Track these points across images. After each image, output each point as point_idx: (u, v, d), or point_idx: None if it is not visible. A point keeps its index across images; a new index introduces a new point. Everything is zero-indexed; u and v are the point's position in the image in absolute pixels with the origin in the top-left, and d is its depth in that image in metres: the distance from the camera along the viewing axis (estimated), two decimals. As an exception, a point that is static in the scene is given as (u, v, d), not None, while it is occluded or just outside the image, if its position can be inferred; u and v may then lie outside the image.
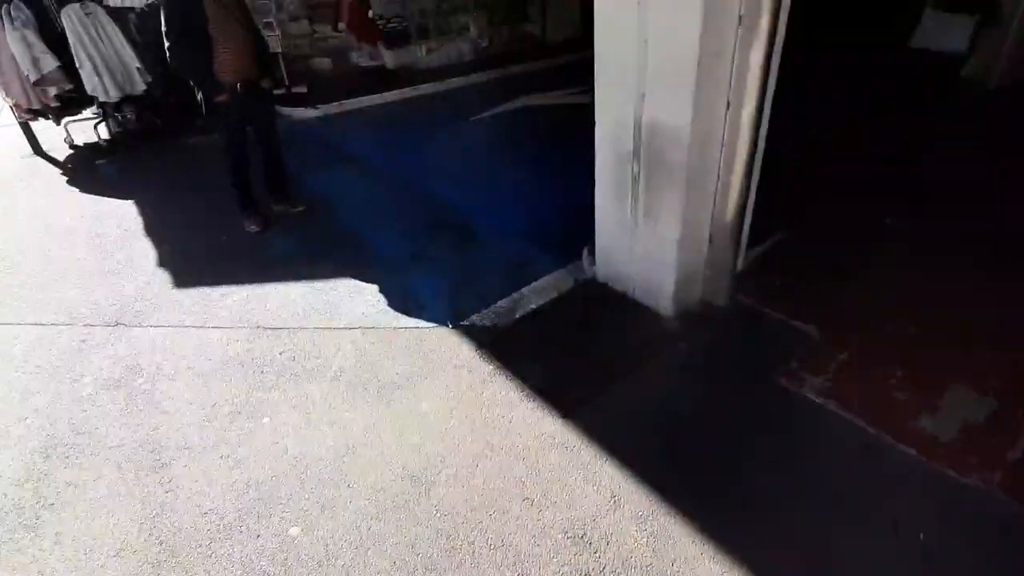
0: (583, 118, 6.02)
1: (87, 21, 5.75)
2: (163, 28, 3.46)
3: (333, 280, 3.33)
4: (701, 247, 2.59)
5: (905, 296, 2.78)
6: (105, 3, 6.02)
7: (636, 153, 2.43)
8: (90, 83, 5.79)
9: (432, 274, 3.32)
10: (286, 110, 7.01)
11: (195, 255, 3.78)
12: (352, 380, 2.52)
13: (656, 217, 2.50)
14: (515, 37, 9.87)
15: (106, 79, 5.86)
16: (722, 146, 2.34)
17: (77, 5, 5.69)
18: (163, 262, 3.72)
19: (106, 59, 5.86)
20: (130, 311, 3.21)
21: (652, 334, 2.63)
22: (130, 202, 4.74)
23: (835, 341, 2.50)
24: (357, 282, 3.29)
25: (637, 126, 2.37)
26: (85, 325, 3.12)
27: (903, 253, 3.18)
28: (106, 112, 6.29)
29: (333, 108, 7.10)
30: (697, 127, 2.20)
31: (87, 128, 6.25)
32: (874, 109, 5.79)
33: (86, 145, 6.33)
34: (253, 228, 4.02)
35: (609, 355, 2.54)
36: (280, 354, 2.74)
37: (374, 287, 3.23)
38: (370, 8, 7.97)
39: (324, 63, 9.48)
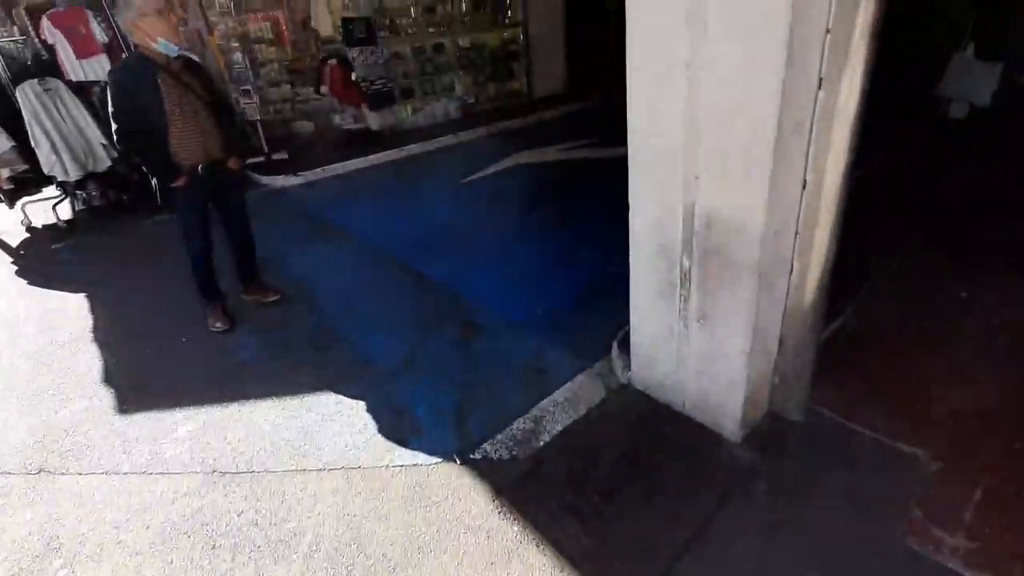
0: (582, 176, 5.52)
1: (46, 98, 5.29)
2: (110, 108, 2.97)
3: (310, 396, 2.72)
4: (770, 352, 2.04)
5: (1018, 399, 2.24)
6: (67, 78, 5.61)
7: (687, 246, 1.92)
8: (47, 163, 5.28)
9: (430, 384, 2.72)
10: (266, 178, 6.55)
11: (148, 365, 3.15)
12: (332, 557, 1.88)
13: (715, 322, 1.96)
14: (501, 94, 9.65)
15: (66, 157, 5.36)
16: (796, 233, 1.83)
17: (35, 81, 5.24)
18: (110, 376, 3.09)
19: (66, 136, 5.37)
20: (59, 450, 2.56)
21: (718, 469, 2.04)
22: (83, 295, 4.14)
23: (956, 471, 1.93)
24: (339, 398, 2.68)
25: (688, 215, 1.87)
26: (1, 473, 2.47)
27: (995, 337, 2.65)
28: (67, 191, 5.76)
29: (316, 174, 6.64)
30: (771, 216, 1.69)
31: (48, 207, 5.71)
32: (900, 157, 5.43)
33: (45, 227, 5.77)
34: (218, 327, 3.42)
35: (668, 505, 1.94)
36: (239, 516, 2.09)
37: (359, 405, 2.62)
38: (353, 71, 7.67)
39: (307, 126, 9.14)
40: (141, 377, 3.05)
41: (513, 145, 7.22)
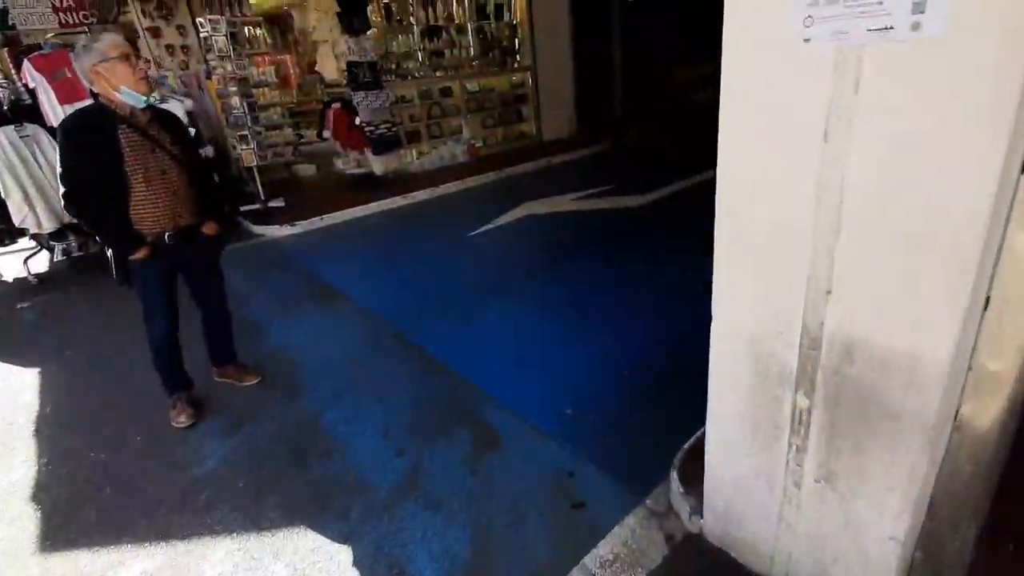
0: (603, 229, 4.96)
1: (21, 145, 4.84)
2: (57, 167, 2.46)
3: (280, 536, 2.08)
4: (916, 524, 1.43)
5: None
6: (49, 124, 5.18)
7: (805, 378, 1.34)
8: (18, 215, 4.78)
9: (435, 521, 2.08)
10: (259, 228, 6.05)
11: (90, 475, 2.53)
12: None
13: (849, 489, 1.35)
14: (510, 137, 9.28)
15: (40, 207, 4.87)
16: (969, 368, 1.25)
17: (10, 128, 4.81)
18: (38, 494, 2.46)
19: (42, 186, 4.89)
20: (-53, 610, 1.94)
21: None
22: (36, 370, 3.56)
23: None
24: (317, 541, 2.04)
25: (811, 336, 1.29)
26: None
27: None
28: (41, 244, 5.26)
29: (314, 223, 6.15)
30: (960, 349, 1.12)
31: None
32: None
33: (16, 281, 5.25)
34: (181, 422, 2.80)
35: None
36: None
37: (343, 554, 1.98)
38: (357, 115, 7.30)
39: (308, 170, 8.73)
40: (78, 494, 2.42)
41: (523, 192, 6.75)
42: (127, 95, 2.45)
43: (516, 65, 9.15)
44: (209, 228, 2.78)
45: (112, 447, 2.71)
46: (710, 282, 1.47)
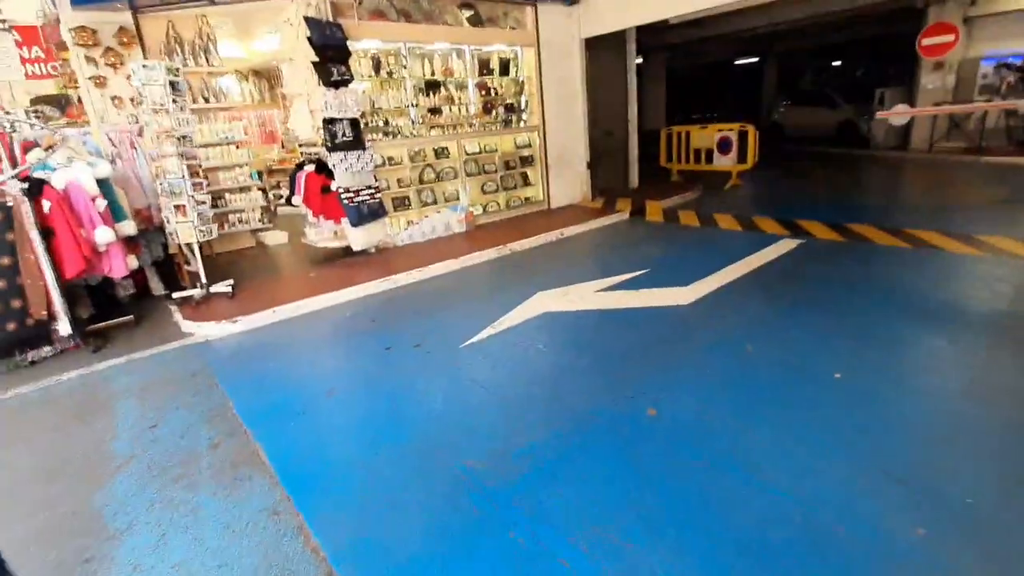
0: (651, 342, 3.47)
1: None
2: None
3: None
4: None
5: None
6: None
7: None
8: None
9: None
10: (189, 325, 4.55)
11: None
12: None
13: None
14: (514, 204, 7.99)
15: None
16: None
17: None
18: None
19: None
20: None
21: None
22: None
23: None
24: None
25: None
26: None
27: None
28: None
29: (263, 318, 4.67)
30: None
31: None
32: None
33: None
34: None
35: None
36: None
37: None
38: (332, 180, 5.98)
39: (278, 238, 7.38)
40: None
41: (533, 276, 5.33)
42: None
43: (522, 124, 7.98)
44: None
45: None
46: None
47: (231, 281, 5.30)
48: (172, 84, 4.61)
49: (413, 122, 6.90)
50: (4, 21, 7.03)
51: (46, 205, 3.79)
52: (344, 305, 5.02)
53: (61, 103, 7.92)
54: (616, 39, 8.56)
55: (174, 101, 4.61)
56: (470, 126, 7.44)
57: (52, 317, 3.99)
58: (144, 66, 4.45)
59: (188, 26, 6.66)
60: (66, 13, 5.87)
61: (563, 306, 4.54)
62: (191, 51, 6.65)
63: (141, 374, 3.84)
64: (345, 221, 6.11)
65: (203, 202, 4.92)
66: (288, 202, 6.53)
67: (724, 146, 9.56)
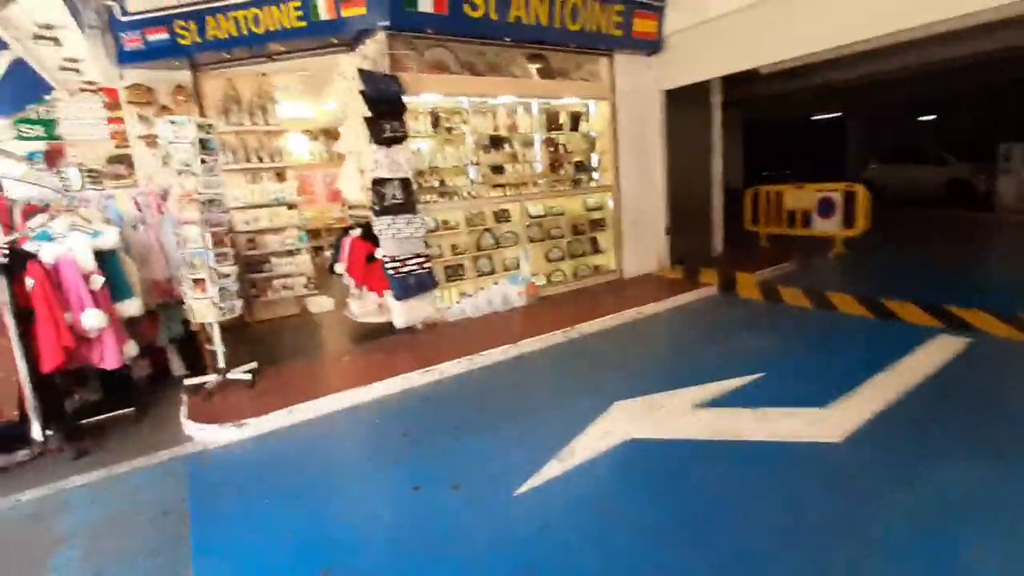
0: (768, 495, 2.09)
1: None
2: None
3: None
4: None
5: None
6: None
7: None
8: None
9: None
10: (193, 426, 3.68)
11: None
12: None
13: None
14: (582, 273, 6.91)
15: None
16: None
17: None
18: None
19: None
20: None
21: None
22: None
23: None
24: None
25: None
26: None
27: None
28: None
29: (275, 421, 3.74)
30: None
31: None
32: None
33: None
34: None
35: None
36: None
37: None
38: (378, 247, 5.18)
39: (325, 305, 6.65)
40: None
41: (608, 375, 4.15)
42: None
43: (593, 184, 7.01)
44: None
45: None
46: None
47: (253, 365, 4.48)
48: (202, 142, 3.99)
49: (472, 182, 6.08)
50: (92, 82, 6.99)
51: (29, 283, 3.10)
52: (375, 404, 4.03)
53: (131, 162, 7.82)
54: (698, 90, 7.55)
55: (203, 161, 3.97)
56: (535, 186, 6.55)
57: (25, 417, 3.23)
58: (172, 122, 3.85)
59: (247, 85, 6.30)
60: (133, 73, 5.61)
61: (653, 429, 3.30)
62: (248, 109, 6.25)
63: (107, 504, 2.95)
64: (389, 294, 5.24)
65: (227, 275, 4.18)
66: (331, 270, 5.79)
67: (826, 209, 8.14)
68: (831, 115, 18.48)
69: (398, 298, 5.18)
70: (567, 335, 5.18)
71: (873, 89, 14.28)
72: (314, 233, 9.02)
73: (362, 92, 4.93)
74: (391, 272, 5.14)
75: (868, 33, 5.12)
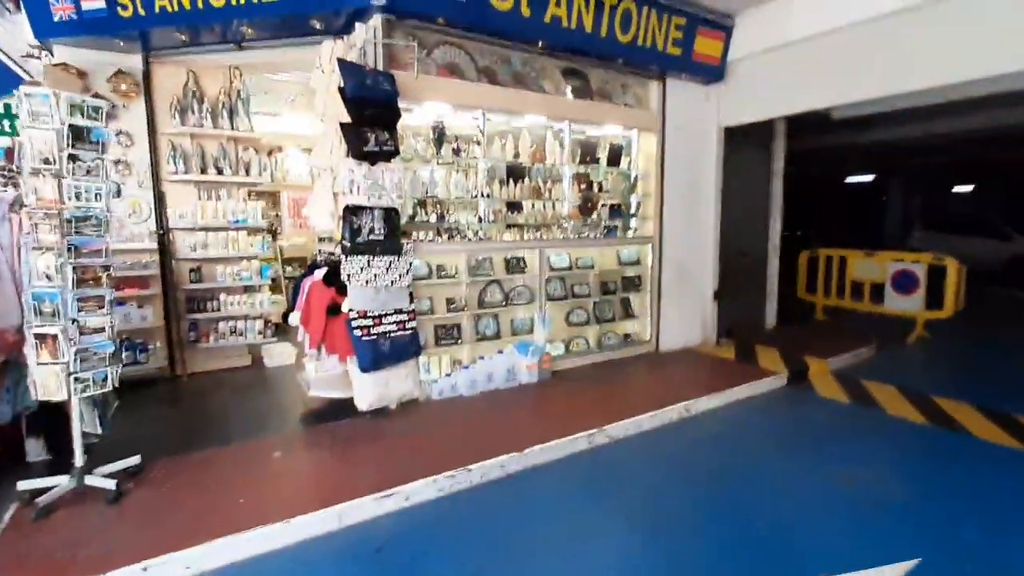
0: None
1: None
2: None
3: None
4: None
5: None
6: None
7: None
8: None
9: None
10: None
11: None
12: None
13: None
14: (609, 343, 5.42)
15: None
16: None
17: None
18: None
19: None
20: None
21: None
22: None
23: None
24: None
25: None
26: None
27: None
28: None
29: None
30: None
31: None
32: None
33: None
34: None
35: None
36: None
37: None
38: (344, 295, 3.75)
39: (283, 354, 5.19)
40: None
41: (659, 525, 2.60)
42: None
43: (631, 233, 5.60)
44: None
45: None
46: None
47: (134, 461, 2.98)
48: (80, 131, 2.62)
49: (481, 219, 4.69)
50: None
51: None
52: (294, 555, 2.48)
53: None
54: (761, 132, 6.24)
55: (73, 158, 2.59)
56: (560, 230, 5.14)
57: None
58: (27, 94, 2.49)
59: (214, 80, 5.04)
60: (65, 53, 4.38)
61: None
62: (212, 109, 4.97)
63: None
64: (354, 361, 3.76)
65: (100, 329, 2.73)
66: (284, 318, 4.35)
67: (905, 283, 6.64)
68: (868, 176, 17.21)
69: (364, 369, 3.70)
70: (591, 440, 3.64)
71: (926, 150, 12.99)
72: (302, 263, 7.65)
73: (341, 89, 3.61)
74: (358, 333, 3.68)
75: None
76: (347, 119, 3.63)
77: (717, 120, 5.64)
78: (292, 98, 6.48)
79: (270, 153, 7.37)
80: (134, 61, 4.62)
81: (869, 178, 17.26)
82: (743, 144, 5.98)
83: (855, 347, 5.82)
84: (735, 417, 4.22)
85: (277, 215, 7.68)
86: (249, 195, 5.32)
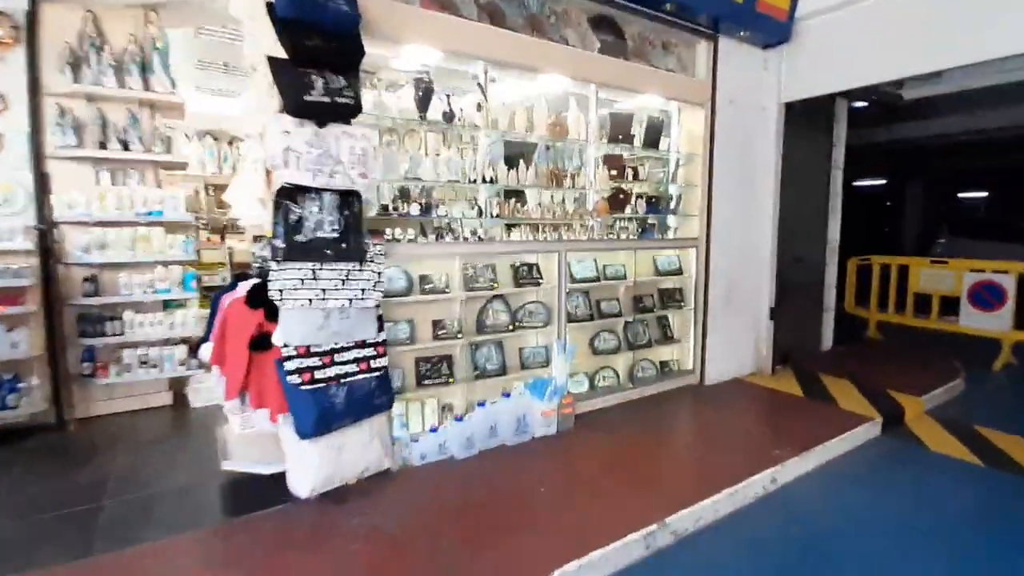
0: None
1: None
2: None
3: None
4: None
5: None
6: None
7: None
8: None
9: None
10: None
11: None
12: None
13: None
14: (642, 374, 4.15)
15: None
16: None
17: None
18: None
19: None
20: None
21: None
22: None
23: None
24: None
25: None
26: None
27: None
28: None
29: None
30: None
31: None
32: None
33: None
34: None
35: None
36: None
37: None
38: (275, 323, 2.46)
39: (215, 392, 3.82)
40: None
41: None
42: None
43: (671, 235, 4.35)
44: None
45: None
46: None
47: None
48: None
49: (482, 212, 3.40)
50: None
51: None
52: None
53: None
54: (821, 112, 5.05)
55: None
56: (584, 229, 3.87)
57: None
58: None
59: (121, 25, 3.71)
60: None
61: None
62: (117, 63, 3.63)
63: None
64: (286, 421, 2.45)
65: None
66: (193, 351, 3.04)
67: (987, 297, 5.47)
68: (877, 181, 16.19)
69: (304, 435, 2.39)
70: (649, 541, 2.36)
71: (950, 151, 11.94)
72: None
73: (270, 6, 2.32)
74: (294, 381, 2.37)
75: None
76: (280, 53, 2.34)
77: (778, 93, 4.42)
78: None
79: (231, 143, 6.08)
80: (16, 1, 3.30)
81: (880, 182, 16.25)
82: (803, 127, 4.78)
83: (944, 379, 4.60)
84: (837, 489, 2.97)
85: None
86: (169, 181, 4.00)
